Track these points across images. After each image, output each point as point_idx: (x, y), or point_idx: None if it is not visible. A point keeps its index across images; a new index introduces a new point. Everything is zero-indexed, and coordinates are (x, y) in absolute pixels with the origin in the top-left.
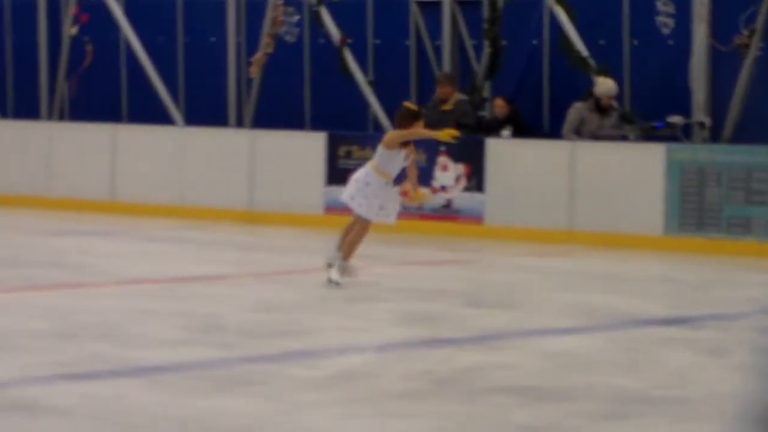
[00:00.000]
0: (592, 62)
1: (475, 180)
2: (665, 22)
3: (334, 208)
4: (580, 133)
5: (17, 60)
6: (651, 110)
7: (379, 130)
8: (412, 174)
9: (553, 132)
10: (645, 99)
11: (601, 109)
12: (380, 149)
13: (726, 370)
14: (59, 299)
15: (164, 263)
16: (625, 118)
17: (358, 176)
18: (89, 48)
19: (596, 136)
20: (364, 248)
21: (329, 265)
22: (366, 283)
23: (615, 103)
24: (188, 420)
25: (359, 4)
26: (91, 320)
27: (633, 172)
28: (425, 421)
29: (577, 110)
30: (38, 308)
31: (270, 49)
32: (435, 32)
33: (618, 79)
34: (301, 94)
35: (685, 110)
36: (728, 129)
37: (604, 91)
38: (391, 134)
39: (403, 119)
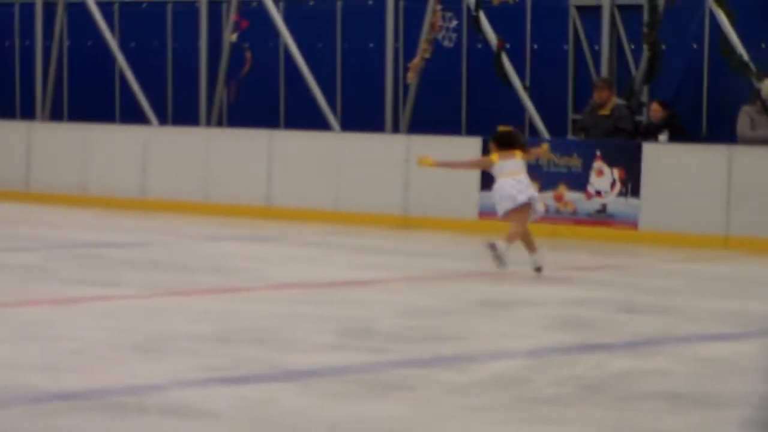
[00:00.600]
0: (752, 66)
1: (631, 185)
2: None
3: (489, 213)
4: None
5: (177, 66)
6: None
7: (536, 135)
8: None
9: (712, 136)
10: None
11: None
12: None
13: None
14: (215, 303)
15: (318, 268)
16: None
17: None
18: (248, 54)
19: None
20: (515, 253)
21: (537, 269)
22: (519, 288)
23: None
24: (339, 424)
25: (518, 8)
26: (245, 324)
27: None
28: (575, 427)
29: (745, 113)
30: (195, 312)
31: (428, 55)
32: (593, 36)
33: None
34: (458, 100)
35: None
36: None
37: None
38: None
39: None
